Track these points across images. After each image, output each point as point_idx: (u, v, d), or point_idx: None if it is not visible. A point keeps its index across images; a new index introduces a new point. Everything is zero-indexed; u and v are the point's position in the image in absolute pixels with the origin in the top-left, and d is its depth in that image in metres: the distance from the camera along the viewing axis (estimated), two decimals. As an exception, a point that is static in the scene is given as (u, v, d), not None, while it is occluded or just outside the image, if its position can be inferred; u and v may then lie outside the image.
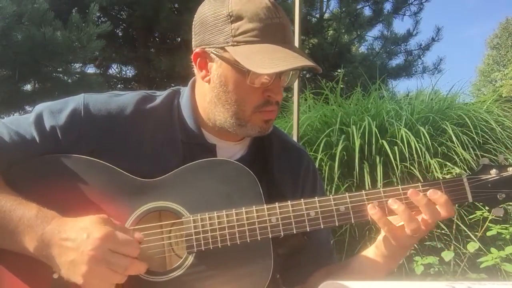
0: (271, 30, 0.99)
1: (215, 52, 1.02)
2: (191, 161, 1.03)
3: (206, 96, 1.08)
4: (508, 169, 0.96)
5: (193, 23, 1.09)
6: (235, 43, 0.99)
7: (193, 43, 1.09)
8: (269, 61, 0.96)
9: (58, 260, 0.89)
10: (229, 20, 0.99)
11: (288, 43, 1.02)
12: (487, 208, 0.99)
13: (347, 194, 0.97)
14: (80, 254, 0.87)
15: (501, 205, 0.97)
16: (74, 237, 0.88)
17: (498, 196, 0.96)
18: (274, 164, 1.14)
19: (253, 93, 1.02)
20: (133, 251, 0.90)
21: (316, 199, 0.98)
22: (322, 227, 0.97)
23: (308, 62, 0.99)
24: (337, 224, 0.97)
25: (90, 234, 0.87)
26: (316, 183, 1.22)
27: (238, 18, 0.99)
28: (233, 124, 1.05)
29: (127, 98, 1.08)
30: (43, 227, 0.91)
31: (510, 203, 0.98)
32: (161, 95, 1.13)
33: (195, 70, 1.10)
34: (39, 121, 1.03)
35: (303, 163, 1.21)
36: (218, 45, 1.01)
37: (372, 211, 0.96)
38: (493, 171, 0.97)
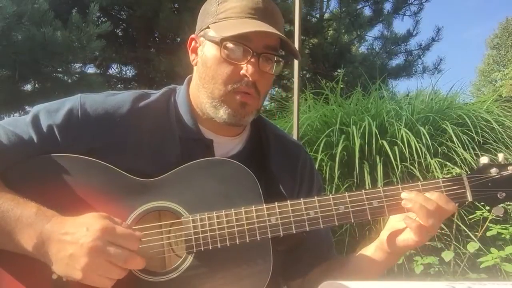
0: (251, 8, 1.03)
1: (202, 34, 1.07)
2: (189, 157, 1.03)
3: (194, 82, 1.11)
4: (508, 168, 0.96)
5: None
6: (217, 20, 1.04)
7: None
8: (236, 27, 0.99)
9: (57, 256, 0.89)
10: (217, 3, 1.05)
11: (268, 21, 1.02)
12: (487, 208, 0.99)
13: (346, 194, 0.97)
14: (80, 247, 0.86)
15: (501, 204, 0.96)
16: (74, 231, 0.88)
17: (498, 195, 0.96)
18: (271, 158, 1.15)
19: (227, 68, 1.03)
20: (133, 244, 0.90)
21: (316, 198, 0.98)
22: (321, 227, 0.96)
23: (275, 31, 1.00)
24: (336, 224, 0.97)
25: (90, 227, 0.88)
26: (313, 177, 1.23)
27: (225, 0, 1.04)
28: (209, 106, 1.06)
29: (123, 97, 1.09)
30: (42, 225, 0.90)
31: (510, 203, 0.97)
32: (156, 93, 1.14)
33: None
34: (36, 121, 1.03)
35: (300, 157, 1.22)
36: (205, 25, 1.06)
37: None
38: (493, 170, 0.96)
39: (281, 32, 1.05)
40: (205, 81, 1.06)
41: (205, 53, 1.06)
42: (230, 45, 1.01)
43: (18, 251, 0.93)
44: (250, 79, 1.02)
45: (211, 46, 1.05)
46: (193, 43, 1.11)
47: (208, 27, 1.05)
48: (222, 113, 1.05)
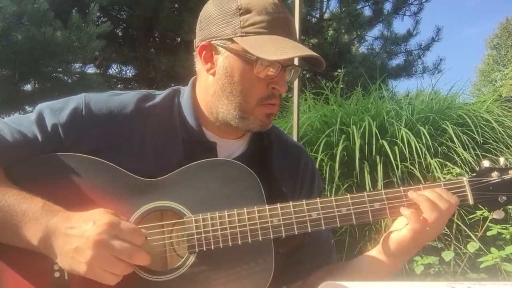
0: (278, 23, 1.02)
1: (222, 44, 1.04)
2: (192, 159, 1.03)
3: (209, 90, 1.09)
4: (509, 172, 0.97)
5: (198, 20, 1.11)
6: (244, 34, 1.01)
7: (197, 38, 1.11)
8: (278, 49, 0.99)
9: (62, 249, 0.89)
10: (238, 13, 1.02)
11: (293, 37, 1.05)
12: (487, 208, 0.99)
13: (348, 196, 0.98)
14: (86, 240, 0.87)
15: (502, 208, 0.97)
16: (80, 225, 0.89)
17: (499, 199, 0.96)
18: (273, 161, 1.15)
19: (259, 85, 1.04)
20: (138, 239, 0.90)
21: (318, 200, 0.98)
22: (323, 228, 0.97)
23: (315, 54, 1.02)
24: (338, 225, 0.97)
25: (96, 221, 0.88)
26: (314, 179, 1.23)
27: (247, 11, 1.02)
28: (235, 117, 1.06)
29: (127, 97, 1.09)
30: (49, 218, 0.91)
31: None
32: (161, 94, 1.14)
33: (198, 64, 1.12)
34: (40, 120, 1.03)
35: (302, 159, 1.22)
36: (226, 36, 1.03)
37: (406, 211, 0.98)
38: (495, 174, 0.97)
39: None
40: (231, 94, 1.05)
41: (228, 65, 1.04)
42: (264, 63, 1.01)
43: (23, 246, 0.93)
44: (281, 92, 1.05)
45: (237, 60, 1.03)
46: (204, 51, 1.07)
47: (231, 39, 1.02)
48: (249, 124, 1.06)
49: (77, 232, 0.88)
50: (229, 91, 1.05)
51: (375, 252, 1.07)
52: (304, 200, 0.98)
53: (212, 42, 1.06)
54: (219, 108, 1.07)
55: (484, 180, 0.97)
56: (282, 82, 1.05)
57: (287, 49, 1.00)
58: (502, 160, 0.98)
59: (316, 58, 1.04)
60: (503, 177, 0.96)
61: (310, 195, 1.19)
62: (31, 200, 0.94)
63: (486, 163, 0.98)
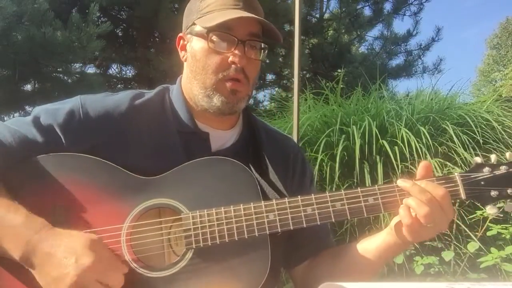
0: (232, 1, 1.07)
1: (189, 31, 1.12)
2: (188, 150, 1.06)
3: (186, 76, 1.14)
4: (500, 167, 0.99)
5: None
6: (201, 15, 1.08)
7: None
8: (218, 18, 1.04)
9: (40, 271, 0.90)
10: (200, 1, 1.10)
11: (249, 10, 1.07)
12: (479, 203, 1.00)
13: (343, 191, 0.99)
14: (65, 275, 0.88)
15: (495, 203, 0.98)
16: (62, 256, 0.89)
17: (491, 194, 0.98)
18: (264, 150, 1.17)
19: (216, 58, 1.07)
20: (118, 282, 0.92)
21: (313, 196, 0.99)
22: (318, 223, 0.98)
23: (255, 16, 1.05)
24: (333, 220, 0.99)
25: (78, 259, 0.89)
26: (305, 166, 1.26)
27: None
28: (203, 95, 1.10)
29: (121, 96, 1.12)
30: (30, 234, 0.91)
31: (511, 201, 0.99)
32: (151, 92, 1.17)
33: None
34: (37, 121, 1.05)
35: (292, 148, 1.26)
36: (191, 22, 1.11)
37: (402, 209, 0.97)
38: (486, 169, 0.99)
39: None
40: (196, 73, 1.10)
41: (193, 47, 1.11)
42: (215, 36, 1.06)
43: (7, 257, 0.93)
44: (238, 65, 1.06)
45: (198, 40, 1.10)
46: (181, 41, 1.16)
47: (194, 24, 1.10)
48: (215, 101, 1.08)
49: (57, 263, 0.89)
50: (195, 70, 1.10)
51: (385, 234, 1.06)
52: (299, 196, 0.99)
53: (185, 32, 1.14)
54: (193, 91, 1.12)
55: (476, 176, 0.99)
56: (239, 55, 1.06)
57: (227, 16, 1.03)
58: (493, 157, 1.00)
59: (276, 33, 1.08)
60: (494, 172, 0.99)
61: (302, 182, 1.22)
62: (15, 212, 0.94)
63: (478, 159, 1.00)
